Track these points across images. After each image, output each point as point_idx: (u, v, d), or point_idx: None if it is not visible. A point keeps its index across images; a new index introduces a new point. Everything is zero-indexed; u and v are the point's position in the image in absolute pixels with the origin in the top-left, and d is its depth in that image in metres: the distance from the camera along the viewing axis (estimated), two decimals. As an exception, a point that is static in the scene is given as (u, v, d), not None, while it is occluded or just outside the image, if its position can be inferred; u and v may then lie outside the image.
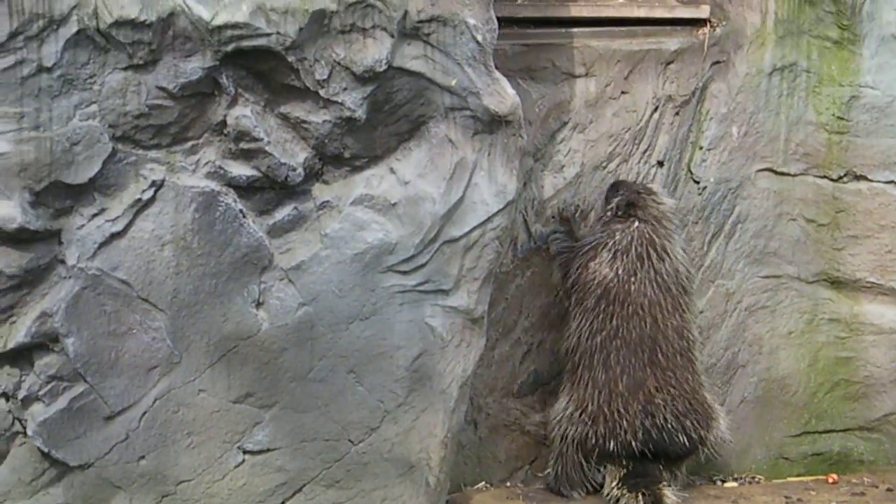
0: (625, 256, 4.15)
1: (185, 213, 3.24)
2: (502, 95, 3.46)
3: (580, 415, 4.12)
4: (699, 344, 4.41)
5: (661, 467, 4.17)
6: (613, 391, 4.12)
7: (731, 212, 4.54)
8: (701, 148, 4.50)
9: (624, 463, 4.12)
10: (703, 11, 4.50)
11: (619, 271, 4.16)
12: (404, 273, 3.42)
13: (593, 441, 4.11)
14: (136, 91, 3.19)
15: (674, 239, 4.31)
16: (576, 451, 4.12)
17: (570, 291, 4.25)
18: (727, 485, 4.52)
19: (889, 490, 4.28)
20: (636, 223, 4.21)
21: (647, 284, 4.19)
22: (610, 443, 4.06)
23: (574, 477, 4.13)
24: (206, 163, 3.30)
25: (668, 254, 4.26)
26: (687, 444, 4.10)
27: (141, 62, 3.12)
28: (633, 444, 4.05)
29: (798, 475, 4.55)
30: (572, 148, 4.35)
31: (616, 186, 4.33)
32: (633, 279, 4.18)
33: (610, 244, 4.18)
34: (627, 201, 4.25)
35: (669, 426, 4.11)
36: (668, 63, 4.39)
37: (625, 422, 4.04)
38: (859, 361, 4.67)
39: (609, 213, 4.26)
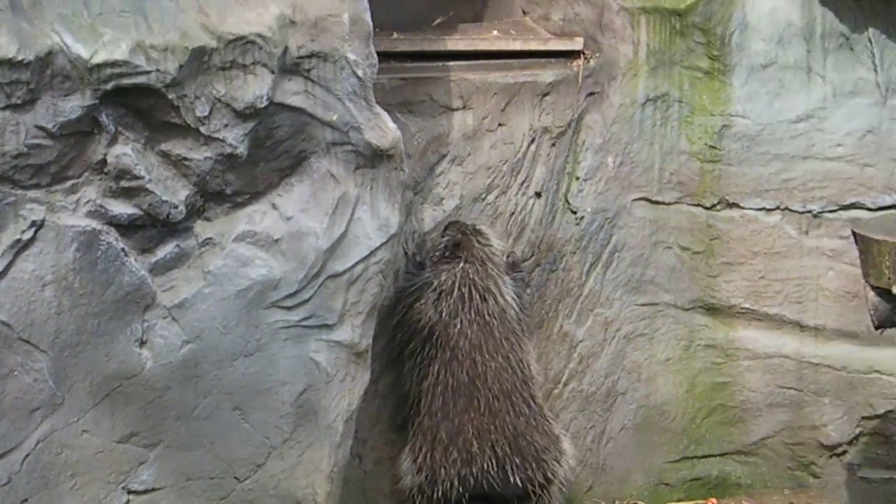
0: (449, 297, 4.79)
1: (66, 253, 3.63)
2: (383, 129, 4.06)
3: (413, 464, 4.81)
4: (537, 382, 5.06)
5: None
6: (436, 439, 4.77)
7: (608, 241, 5.26)
8: (577, 178, 5.22)
9: None
10: (577, 44, 5.24)
11: (443, 313, 4.79)
12: (288, 308, 3.96)
13: (423, 492, 4.79)
14: (15, 131, 3.52)
15: (500, 280, 4.97)
16: (420, 499, 4.82)
17: (396, 333, 4.90)
18: None
19: None
20: (462, 264, 4.86)
21: (468, 326, 4.82)
22: (436, 493, 4.72)
23: None
24: (87, 202, 3.69)
25: (492, 294, 4.90)
26: (518, 485, 4.76)
27: (19, 102, 3.48)
28: (459, 491, 4.72)
29: (678, 500, 5.34)
30: (451, 180, 5.05)
31: (447, 226, 5.02)
32: (455, 321, 4.80)
33: (435, 284, 4.83)
34: (454, 242, 4.93)
35: (491, 471, 4.74)
36: (544, 95, 5.10)
37: (443, 471, 4.70)
38: (735, 386, 5.46)
39: (437, 254, 4.96)
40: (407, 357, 4.94)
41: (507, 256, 5.26)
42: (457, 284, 4.91)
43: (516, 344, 5.02)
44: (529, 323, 5.30)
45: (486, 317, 4.92)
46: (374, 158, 4.14)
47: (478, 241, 5.03)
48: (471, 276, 4.91)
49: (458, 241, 5.02)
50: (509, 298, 5.01)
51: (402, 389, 5.09)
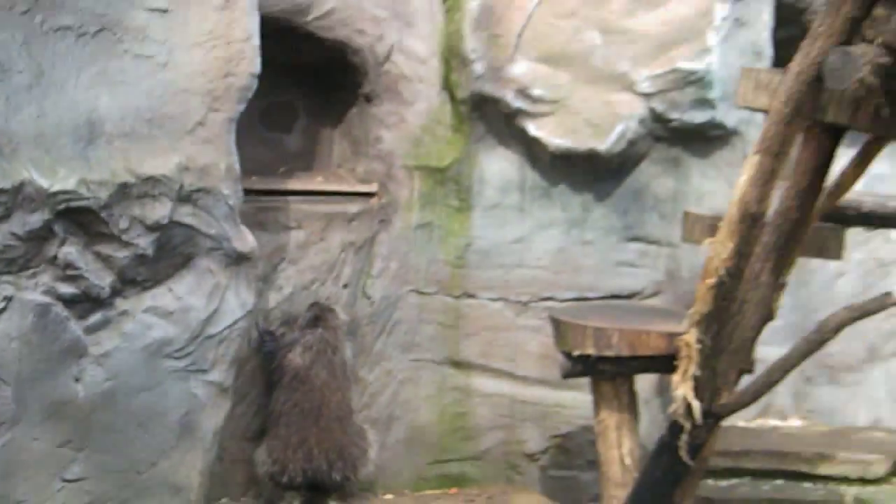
0: (310, 351, 5.83)
1: (28, 319, 4.51)
2: (245, 240, 5.13)
3: (270, 458, 5.86)
4: (356, 412, 6.13)
5: (324, 495, 5.98)
6: (288, 443, 5.81)
7: (391, 317, 6.38)
8: (371, 276, 6.33)
9: (301, 491, 5.91)
10: (373, 188, 6.37)
11: (306, 361, 5.82)
12: (177, 358, 4.98)
13: (278, 478, 5.85)
14: (-4, 235, 4.44)
15: (343, 342, 6.04)
16: (270, 482, 5.89)
17: (273, 372, 5.92)
18: (386, 496, 6.33)
19: (489, 498, 6.18)
20: (320, 330, 5.92)
21: (321, 370, 5.86)
22: (285, 479, 5.82)
23: (274, 498, 5.93)
24: (43, 284, 4.60)
25: (338, 351, 5.97)
26: (338, 480, 5.89)
27: (0, 215, 4.38)
28: (300, 480, 5.83)
29: (432, 489, 6.45)
30: (288, 275, 6.10)
31: (311, 305, 6.08)
32: (313, 367, 5.84)
33: (302, 342, 5.86)
34: (315, 315, 6.00)
35: (323, 469, 5.85)
36: (351, 220, 6.20)
37: (291, 465, 5.78)
38: (471, 415, 6.59)
39: (304, 322, 5.99)
40: (278, 387, 5.95)
41: (347, 326, 6.25)
42: (316, 343, 5.96)
43: (348, 385, 6.13)
44: (355, 371, 6.34)
45: (333, 365, 6.00)
46: (238, 259, 5.16)
47: (331, 315, 6.08)
48: (326, 338, 5.97)
49: (318, 314, 6.03)
50: (348, 354, 6.13)
51: (270, 408, 6.04)
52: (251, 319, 5.59)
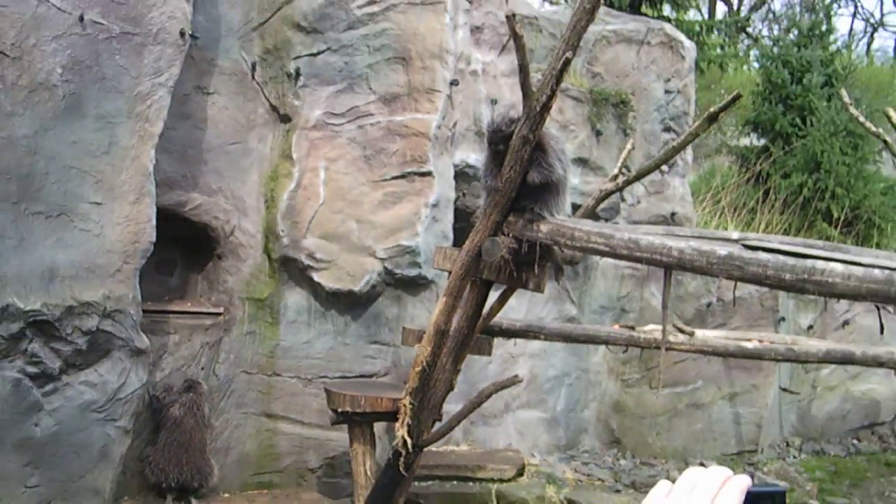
0: (184, 407, 6.62)
1: (7, 387, 5.78)
2: (143, 341, 6.31)
3: (156, 472, 6.71)
4: (208, 445, 6.80)
5: (188, 494, 6.82)
6: (168, 463, 6.63)
7: (230, 388, 7.11)
8: (218, 363, 7.06)
9: (174, 493, 6.77)
10: (221, 310, 7.16)
11: (181, 413, 6.62)
12: (99, 412, 6.15)
13: (160, 484, 6.68)
14: (-15, 337, 5.49)
15: (203, 402, 6.76)
16: (155, 487, 6.72)
17: (159, 420, 6.70)
18: (225, 495, 7.15)
19: (287, 496, 7.00)
20: (190, 394, 6.70)
21: (192, 417, 6.64)
22: (164, 485, 6.68)
23: (157, 497, 6.77)
24: (17, 366, 5.82)
25: (200, 408, 6.70)
26: (196, 486, 6.75)
27: None
28: (174, 485, 6.67)
29: (252, 490, 7.21)
30: (168, 362, 6.96)
31: (186, 380, 6.76)
32: (187, 416, 6.63)
33: (179, 401, 6.63)
34: (187, 385, 6.75)
35: (188, 479, 6.66)
36: (207, 329, 7.06)
37: (169, 476, 6.65)
38: (277, 446, 7.31)
39: (180, 389, 6.73)
40: (162, 429, 6.79)
41: (205, 393, 6.93)
42: (188, 402, 6.76)
43: (205, 429, 6.91)
44: (210, 420, 7.01)
45: (197, 417, 6.77)
46: (138, 352, 6.33)
47: (197, 385, 6.84)
48: (193, 400, 6.78)
49: (189, 385, 6.81)
50: (206, 410, 6.92)
51: (156, 442, 6.78)
52: (145, 388, 6.63)
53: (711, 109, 5.32)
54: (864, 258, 4.30)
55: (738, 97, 5.11)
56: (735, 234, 4.77)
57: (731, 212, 11.65)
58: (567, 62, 4.30)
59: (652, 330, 6.32)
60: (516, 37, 4.35)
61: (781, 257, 4.10)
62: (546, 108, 4.48)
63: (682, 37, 9.99)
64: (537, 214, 4.73)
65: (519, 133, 4.56)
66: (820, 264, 4.00)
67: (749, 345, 6.49)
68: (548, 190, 4.71)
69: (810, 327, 10.00)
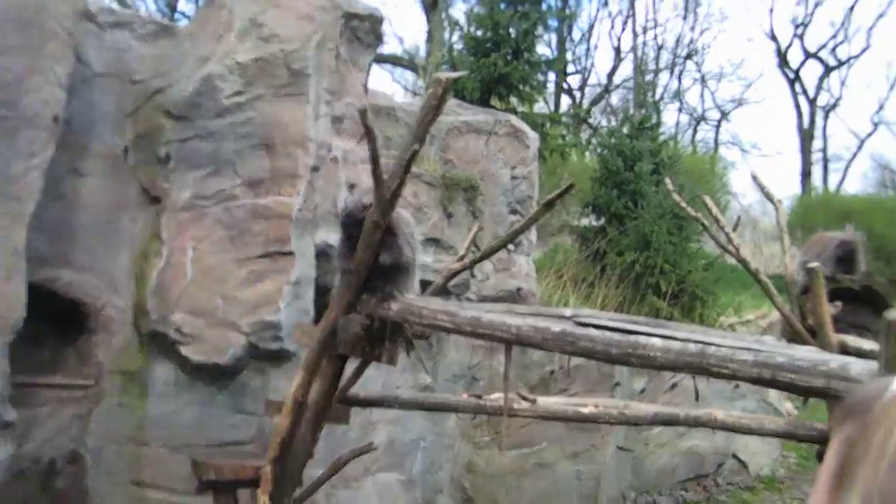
0: None
1: None
2: (10, 413, 6.20)
3: None
4: None
5: None
6: None
7: (100, 454, 7.08)
8: (90, 433, 6.96)
9: None
10: (91, 382, 7.06)
11: None
12: None
13: None
14: None
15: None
16: None
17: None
18: None
19: None
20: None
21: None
22: None
23: None
24: None
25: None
26: None
27: None
28: None
29: None
30: (41, 432, 6.88)
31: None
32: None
33: None
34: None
35: None
36: (78, 400, 6.94)
37: None
38: None
39: None
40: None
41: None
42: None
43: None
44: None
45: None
46: (5, 426, 6.14)
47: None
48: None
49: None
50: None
51: None
52: (12, 461, 6.43)
53: (548, 197, 5.54)
54: (681, 333, 4.53)
55: (571, 187, 5.34)
56: (568, 312, 4.96)
57: (572, 286, 12.07)
58: (414, 153, 4.45)
59: (498, 398, 6.42)
60: (368, 130, 4.49)
61: (609, 333, 4.28)
62: (395, 195, 4.61)
63: (526, 128, 10.43)
64: (388, 294, 4.83)
65: (371, 218, 4.66)
66: (642, 339, 4.19)
67: (586, 410, 6.65)
68: (398, 271, 4.83)
69: (642, 390, 10.40)
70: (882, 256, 19.38)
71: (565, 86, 36.81)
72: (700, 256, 13.68)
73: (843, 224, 22.12)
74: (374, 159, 4.56)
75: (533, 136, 10.42)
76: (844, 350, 7.53)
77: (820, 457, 3.73)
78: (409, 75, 29.69)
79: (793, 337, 8.33)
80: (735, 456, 11.87)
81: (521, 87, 13.22)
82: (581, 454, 10.03)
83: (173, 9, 27.92)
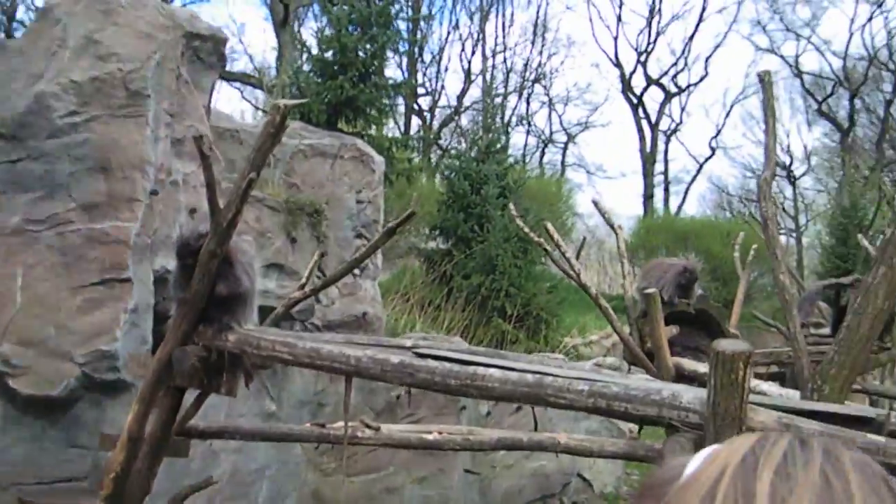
0: None
1: None
2: None
3: None
4: None
5: None
6: None
7: None
8: None
9: None
10: None
11: None
12: None
13: None
14: None
15: None
16: None
17: None
18: None
19: None
20: None
21: None
22: None
23: None
24: None
25: None
26: None
27: None
28: None
29: None
30: None
31: None
32: None
33: None
34: None
35: None
36: None
37: None
38: None
39: None
40: None
41: None
42: None
43: None
44: None
45: None
46: None
47: None
48: None
49: None
50: None
51: None
52: None
53: (389, 224, 5.64)
54: (519, 364, 4.67)
55: (413, 215, 5.46)
56: (408, 342, 5.05)
57: (419, 309, 12.20)
58: (251, 182, 4.46)
59: (340, 427, 6.45)
60: (203, 156, 4.48)
61: (447, 364, 4.38)
62: (232, 224, 4.60)
63: (372, 151, 10.52)
64: (226, 325, 4.83)
65: (207, 248, 4.63)
66: (481, 370, 4.30)
67: (430, 437, 6.72)
68: (236, 301, 4.83)
69: (488, 413, 10.56)
70: (718, 277, 20.38)
71: (416, 107, 37.19)
72: (545, 279, 14.08)
73: (682, 245, 23.21)
74: (210, 186, 4.55)
75: (379, 160, 10.53)
76: (680, 372, 7.98)
77: (658, 475, 3.88)
78: (259, 94, 29.26)
79: (633, 360, 8.78)
80: (580, 475, 12.16)
81: (368, 110, 13.28)
82: (428, 478, 10.09)
83: (11, 18, 26.58)
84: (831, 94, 44.70)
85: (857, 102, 44.38)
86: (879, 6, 41.56)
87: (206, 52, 8.74)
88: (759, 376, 9.34)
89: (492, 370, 4.30)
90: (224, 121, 9.58)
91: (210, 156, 4.49)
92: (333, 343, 4.76)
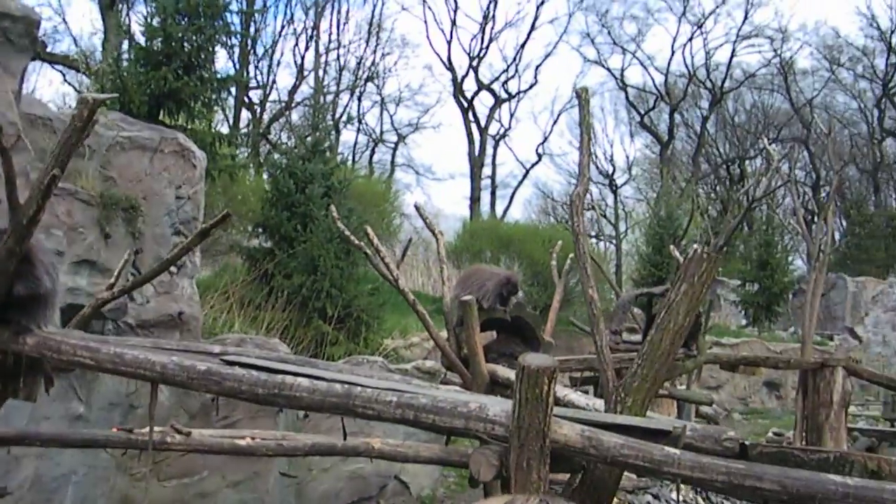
0: None
1: None
2: None
3: None
4: None
5: None
6: None
7: None
8: None
9: None
10: None
11: None
12: None
13: None
14: None
15: None
16: None
17: None
18: None
19: None
20: None
21: None
22: None
23: None
24: None
25: None
26: None
27: None
28: None
29: None
30: None
31: None
32: None
33: None
34: None
35: None
36: None
37: None
38: None
39: None
40: None
41: None
42: None
43: None
44: None
45: None
46: None
47: None
48: None
49: None
50: None
51: None
52: None
53: (203, 226, 5.53)
54: (329, 373, 4.69)
55: (227, 216, 5.37)
56: (217, 348, 4.98)
57: (239, 308, 12.03)
58: (55, 178, 4.28)
59: (148, 432, 6.29)
60: (2, 150, 4.27)
61: (255, 373, 4.37)
62: (33, 221, 4.41)
63: (194, 146, 10.27)
64: (23, 327, 4.62)
65: (5, 246, 4.41)
66: (289, 379, 4.31)
67: (243, 442, 6.68)
68: (35, 302, 4.63)
69: (306, 416, 10.48)
70: (539, 282, 21.04)
71: (247, 100, 36.53)
72: (367, 280, 14.14)
73: (506, 249, 23.73)
74: (10, 181, 4.35)
75: (201, 155, 10.30)
76: (494, 379, 8.28)
77: (471, 481, 4.06)
78: (85, 78, 27.86)
79: (449, 365, 9.00)
80: (397, 478, 12.21)
81: (192, 103, 12.97)
82: (243, 482, 9.93)
83: None
84: (653, 107, 47.00)
85: (677, 117, 46.86)
86: (699, 27, 44.02)
87: (16, 33, 8.30)
88: (574, 380, 9.80)
89: (301, 379, 4.31)
90: (37, 107, 9.09)
91: (8, 149, 4.24)
92: (140, 348, 4.64)
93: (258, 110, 37.88)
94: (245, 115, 36.55)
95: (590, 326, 5.05)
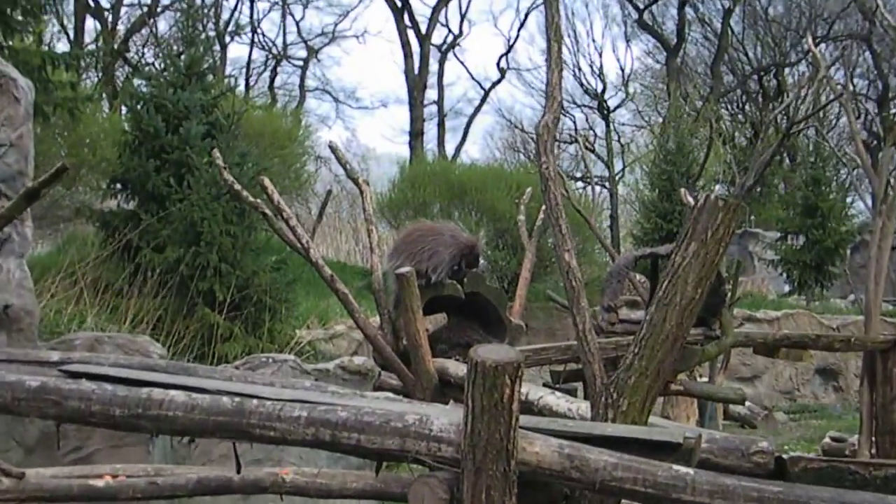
0: None
1: None
2: None
3: None
4: None
5: None
6: None
7: None
8: None
9: None
10: None
11: None
12: None
13: None
14: None
15: None
16: None
17: None
18: None
19: None
20: None
21: None
22: None
23: None
24: None
25: None
26: None
27: None
28: None
29: None
30: None
31: None
32: None
33: None
34: None
35: None
36: None
37: None
38: None
39: None
40: None
41: None
42: None
43: None
44: None
45: None
46: None
47: None
48: None
49: None
50: None
51: None
52: None
53: (30, 185, 5.44)
54: (214, 382, 4.62)
55: (63, 169, 5.27)
56: (55, 355, 4.91)
57: (92, 295, 11.89)
58: None
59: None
60: None
61: (110, 387, 4.30)
62: None
63: (14, 72, 10.04)
64: None
65: None
66: (158, 394, 4.25)
67: (100, 483, 6.59)
68: None
69: (192, 440, 10.41)
70: (507, 245, 20.89)
71: (92, 3, 35.95)
72: (270, 251, 13.99)
73: (460, 201, 23.49)
74: None
75: (25, 85, 10.05)
76: (445, 379, 8.18)
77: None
78: None
79: (384, 363, 8.91)
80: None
81: (9, 10, 12.70)
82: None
83: None
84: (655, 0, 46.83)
85: (689, 12, 46.68)
86: None
87: None
88: (555, 375, 9.69)
89: (174, 393, 4.26)
90: None
91: None
92: (-58, 359, 4.54)
93: (109, 18, 37.32)
94: (91, 24, 36.01)
95: (569, 302, 4.99)
